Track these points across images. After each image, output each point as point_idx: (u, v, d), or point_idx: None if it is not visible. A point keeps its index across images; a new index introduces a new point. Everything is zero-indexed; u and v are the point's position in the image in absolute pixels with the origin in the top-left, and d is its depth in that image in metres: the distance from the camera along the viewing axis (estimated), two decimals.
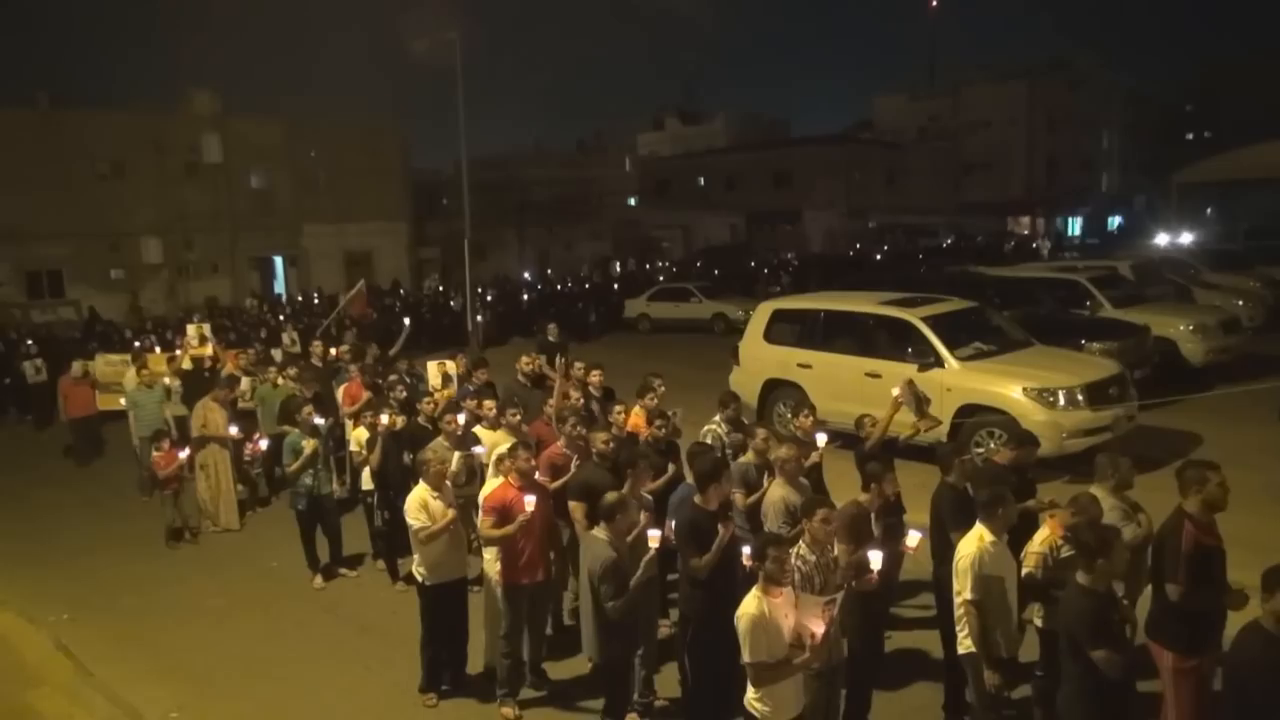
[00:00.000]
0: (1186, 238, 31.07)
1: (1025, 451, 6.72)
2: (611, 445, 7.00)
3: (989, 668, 5.08)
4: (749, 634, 4.48)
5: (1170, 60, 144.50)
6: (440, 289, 30.22)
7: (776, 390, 12.50)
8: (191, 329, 16.12)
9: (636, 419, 8.28)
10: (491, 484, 6.77)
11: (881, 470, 6.16)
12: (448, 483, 6.86)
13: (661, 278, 31.56)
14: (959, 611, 5.20)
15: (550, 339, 13.31)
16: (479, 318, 21.20)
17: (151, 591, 9.20)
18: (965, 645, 5.19)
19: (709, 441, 7.76)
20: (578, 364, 9.86)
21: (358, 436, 9.36)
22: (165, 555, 10.29)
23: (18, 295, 27.52)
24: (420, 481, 6.72)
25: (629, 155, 59.65)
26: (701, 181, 54.89)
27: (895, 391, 8.02)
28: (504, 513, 6.32)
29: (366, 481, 9.29)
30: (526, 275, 34.02)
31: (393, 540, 8.90)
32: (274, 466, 11.56)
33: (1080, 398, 10.16)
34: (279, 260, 33.84)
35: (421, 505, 6.54)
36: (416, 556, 6.69)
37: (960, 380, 10.62)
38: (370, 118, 36.55)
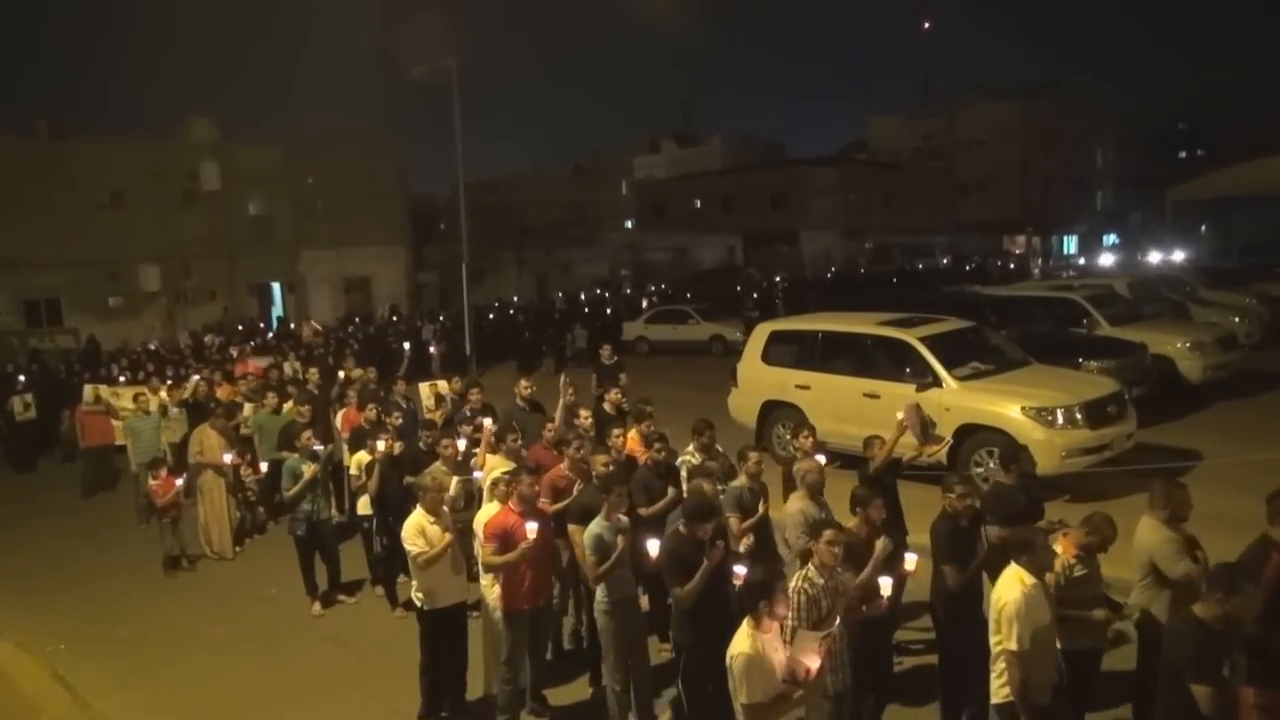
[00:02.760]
0: (1178, 255, 31.18)
1: (1023, 467, 6.61)
2: (612, 469, 6.98)
3: (1026, 717, 4.79)
4: (744, 675, 4.39)
5: (1163, 78, 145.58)
6: (394, 319, 29.52)
7: (775, 411, 12.50)
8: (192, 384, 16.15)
9: (634, 442, 8.27)
10: (489, 509, 6.73)
11: (868, 496, 6.04)
12: (445, 508, 6.83)
13: (645, 302, 31.44)
14: (998, 661, 4.85)
15: (605, 361, 13.06)
16: (431, 348, 20.33)
17: (150, 621, 9.16)
18: (1002, 695, 4.85)
19: (684, 472, 7.66)
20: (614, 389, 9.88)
21: (356, 461, 9.34)
22: (163, 584, 10.25)
23: (16, 323, 27.53)
24: (418, 506, 6.69)
25: (625, 178, 59.86)
26: (698, 204, 55.11)
27: (900, 415, 7.90)
28: (505, 539, 6.28)
29: (363, 507, 9.27)
30: (515, 298, 33.75)
31: (391, 566, 8.88)
32: (273, 493, 11.55)
33: (1079, 416, 10.15)
34: (277, 286, 33.88)
35: (419, 530, 6.50)
36: (415, 582, 6.66)
37: (958, 400, 10.62)
38: (368, 143, 36.68)
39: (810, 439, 7.68)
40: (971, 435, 10.44)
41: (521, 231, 41.91)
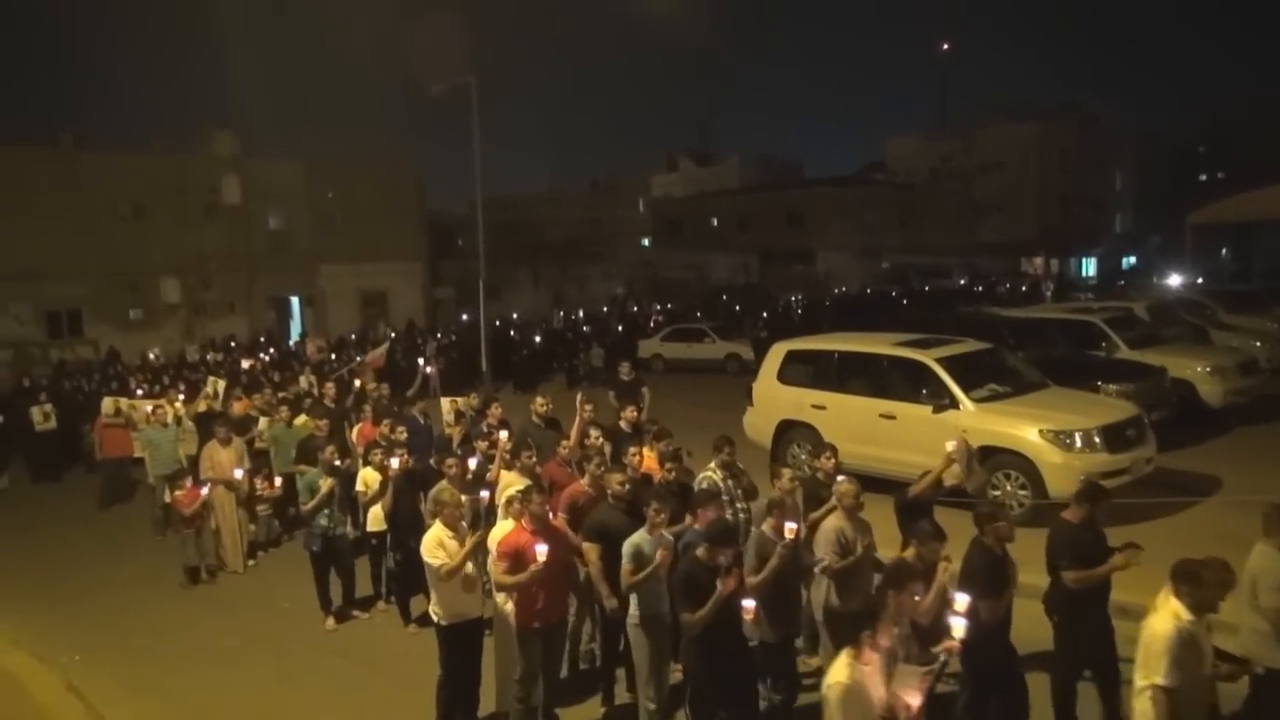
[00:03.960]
0: (1175, 280, 30.92)
1: (1095, 507, 6.07)
2: (628, 487, 6.96)
3: None
4: (841, 706, 4.19)
5: (1182, 101, 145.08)
6: (392, 335, 29.14)
7: (790, 431, 12.46)
8: (210, 381, 16.24)
9: (650, 461, 8.25)
10: (503, 526, 6.74)
11: (930, 533, 5.76)
12: (464, 523, 6.82)
13: (652, 321, 31.31)
14: (1142, 696, 4.57)
15: (624, 378, 13.04)
16: (428, 368, 19.57)
17: (164, 632, 9.19)
18: None
19: (705, 487, 7.58)
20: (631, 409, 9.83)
21: (365, 477, 9.34)
22: (178, 595, 10.28)
23: (37, 334, 27.80)
24: (437, 521, 6.70)
25: (642, 196, 60.03)
26: (715, 222, 55.10)
27: (950, 446, 7.61)
28: (517, 558, 6.26)
29: (373, 523, 9.27)
30: (515, 315, 32.86)
31: (405, 581, 8.87)
32: (287, 507, 11.58)
33: (1097, 440, 10.06)
34: (295, 300, 34.11)
35: (438, 544, 6.50)
36: (433, 597, 6.65)
37: (976, 422, 10.55)
38: (386, 159, 36.97)
39: (833, 460, 7.57)
40: (989, 458, 10.37)
41: (538, 248, 42.08)
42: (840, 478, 7.22)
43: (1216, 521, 9.38)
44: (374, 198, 33.55)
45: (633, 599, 6.21)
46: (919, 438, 10.82)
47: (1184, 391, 13.48)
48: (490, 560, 6.74)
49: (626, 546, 6.17)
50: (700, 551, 5.78)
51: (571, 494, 7.38)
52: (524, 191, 50.93)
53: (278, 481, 11.28)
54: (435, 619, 6.63)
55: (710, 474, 7.74)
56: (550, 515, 6.83)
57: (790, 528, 6.03)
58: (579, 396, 9.90)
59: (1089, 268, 60.48)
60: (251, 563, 11.09)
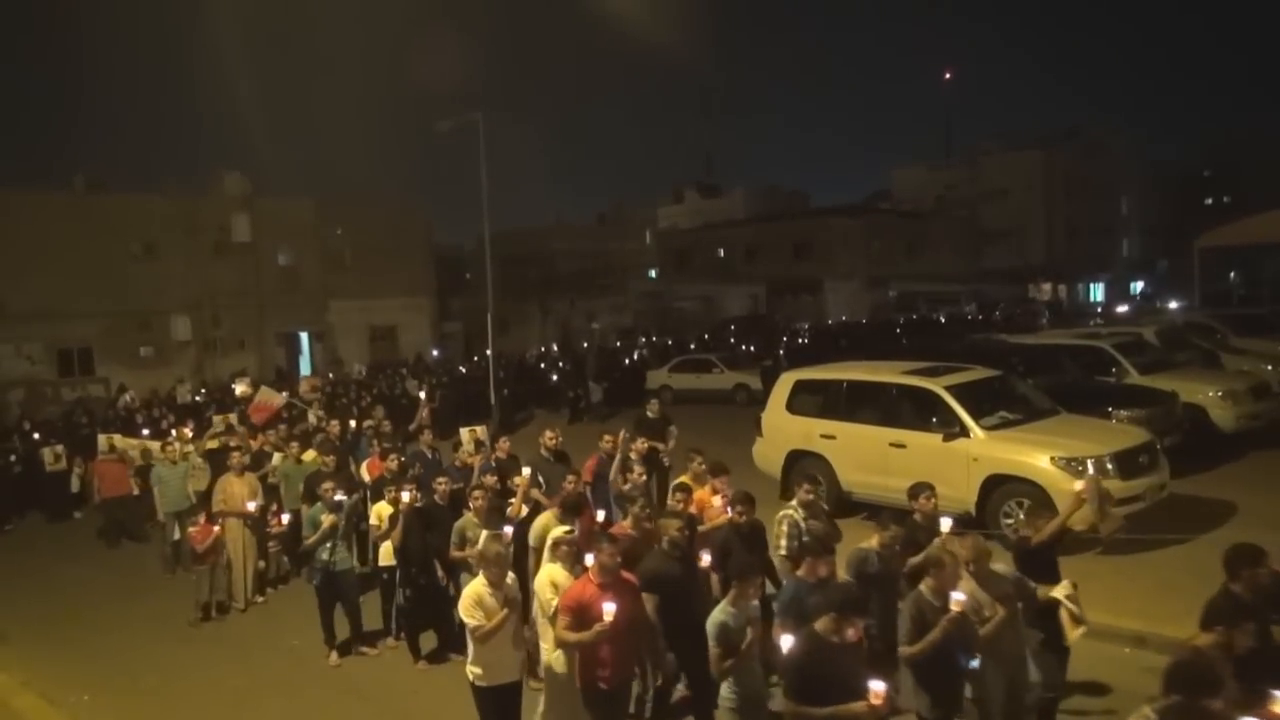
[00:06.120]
0: (1178, 303, 30.81)
1: None
2: (685, 533, 6.48)
3: None
4: None
5: (1188, 126, 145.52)
6: (362, 372, 28.42)
7: (800, 461, 12.40)
8: (218, 419, 16.29)
9: (705, 496, 7.79)
10: (551, 571, 6.25)
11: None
12: (510, 578, 6.23)
13: (637, 354, 31.13)
14: None
15: (650, 415, 12.75)
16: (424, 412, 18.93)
17: (172, 671, 9.13)
18: None
19: (784, 528, 7.01)
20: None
21: (379, 511, 9.32)
22: (187, 634, 10.22)
23: (48, 373, 27.95)
24: (479, 574, 6.22)
25: (649, 228, 60.21)
26: (721, 253, 55.32)
27: (1078, 486, 7.14)
28: (582, 614, 5.66)
29: (384, 557, 9.22)
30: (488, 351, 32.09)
31: (415, 618, 8.81)
32: (296, 543, 11.55)
33: (1110, 467, 9.97)
34: (305, 336, 34.28)
35: (477, 601, 6.03)
36: (470, 654, 6.18)
37: (986, 450, 10.49)
38: (395, 197, 37.30)
39: (932, 500, 7.08)
40: (999, 486, 10.30)
41: (546, 281, 42.19)
42: (946, 524, 6.62)
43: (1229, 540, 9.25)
44: (383, 234, 33.79)
45: (725, 685, 5.53)
46: (929, 466, 10.73)
47: (1196, 416, 13.39)
48: (536, 604, 6.28)
49: (711, 626, 5.49)
50: (822, 624, 4.90)
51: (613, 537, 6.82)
52: (531, 225, 51.04)
53: (285, 518, 11.26)
54: (471, 679, 6.17)
55: (791, 513, 7.16)
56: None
57: (958, 600, 5.18)
58: (622, 434, 9.72)
59: (1097, 293, 60.39)
60: (260, 599, 11.03)
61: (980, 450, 10.50)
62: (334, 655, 9.02)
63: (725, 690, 5.51)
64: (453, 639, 8.45)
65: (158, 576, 12.29)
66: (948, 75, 69.05)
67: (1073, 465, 9.97)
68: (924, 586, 5.39)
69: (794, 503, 7.24)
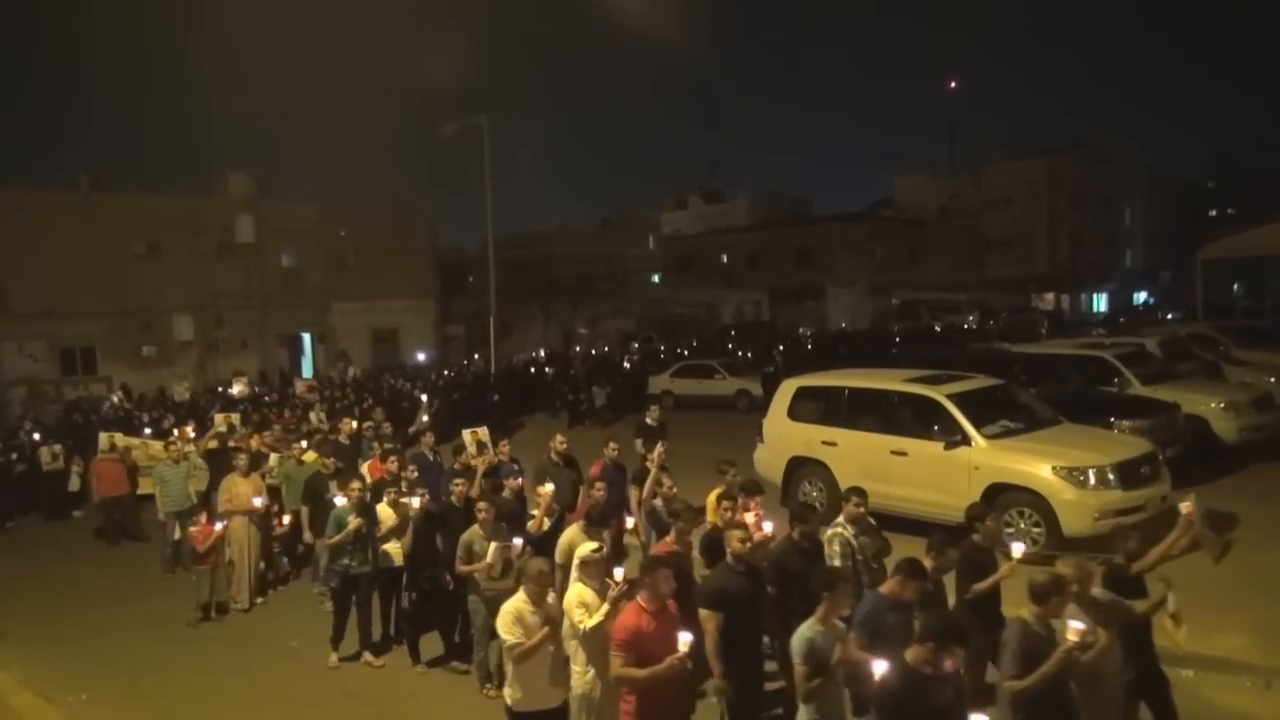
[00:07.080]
0: (1174, 314, 30.76)
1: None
2: (749, 545, 6.22)
3: None
4: None
5: (1191, 138, 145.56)
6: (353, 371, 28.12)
7: (801, 468, 12.39)
8: (220, 418, 16.29)
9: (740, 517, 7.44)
10: (579, 591, 5.86)
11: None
12: (552, 597, 5.95)
13: (626, 362, 31.09)
14: None
15: (649, 421, 12.51)
16: (424, 416, 17.74)
17: (171, 671, 9.12)
18: None
19: (836, 548, 6.76)
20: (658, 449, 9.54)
21: (381, 513, 9.28)
22: (186, 634, 10.20)
23: (51, 372, 27.98)
24: (520, 591, 5.90)
25: (653, 233, 60.28)
26: (725, 259, 55.36)
27: (1185, 508, 6.57)
28: (641, 648, 5.20)
29: (384, 558, 9.17)
30: (476, 356, 31.88)
31: (417, 621, 8.79)
32: (296, 544, 11.54)
33: (1111, 477, 9.97)
34: (307, 337, 34.31)
35: (517, 618, 5.74)
36: (509, 675, 5.90)
37: (988, 459, 10.48)
38: (398, 199, 37.37)
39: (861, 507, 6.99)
40: (1001, 495, 10.28)
41: (549, 285, 42.23)
42: (1018, 550, 6.38)
43: (1234, 554, 9.26)
44: (386, 236, 33.87)
45: (806, 707, 5.16)
46: (930, 474, 10.77)
47: (1198, 427, 13.38)
48: (566, 625, 5.84)
49: (797, 643, 5.18)
50: (917, 653, 4.51)
51: (657, 553, 6.70)
52: (535, 228, 51.16)
53: (286, 519, 11.26)
54: (510, 702, 5.84)
55: (840, 530, 6.91)
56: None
57: (1076, 629, 4.78)
58: (658, 449, 9.61)
59: (1100, 303, 60.36)
60: (261, 600, 11.01)
61: (982, 459, 10.49)
62: (333, 656, 8.98)
63: (805, 714, 5.19)
64: (455, 645, 8.46)
65: (158, 576, 12.29)
66: (953, 84, 68.95)
67: (1074, 475, 9.96)
68: (1028, 613, 5.04)
69: (841, 519, 7.01)
